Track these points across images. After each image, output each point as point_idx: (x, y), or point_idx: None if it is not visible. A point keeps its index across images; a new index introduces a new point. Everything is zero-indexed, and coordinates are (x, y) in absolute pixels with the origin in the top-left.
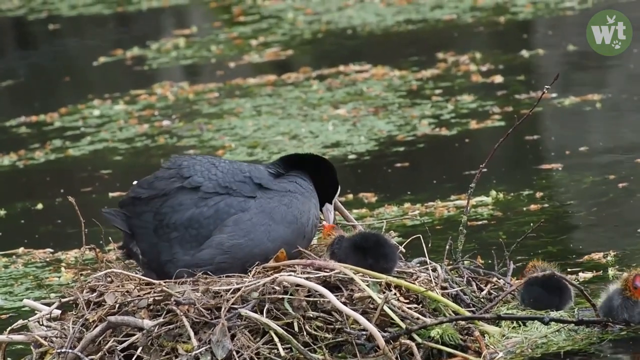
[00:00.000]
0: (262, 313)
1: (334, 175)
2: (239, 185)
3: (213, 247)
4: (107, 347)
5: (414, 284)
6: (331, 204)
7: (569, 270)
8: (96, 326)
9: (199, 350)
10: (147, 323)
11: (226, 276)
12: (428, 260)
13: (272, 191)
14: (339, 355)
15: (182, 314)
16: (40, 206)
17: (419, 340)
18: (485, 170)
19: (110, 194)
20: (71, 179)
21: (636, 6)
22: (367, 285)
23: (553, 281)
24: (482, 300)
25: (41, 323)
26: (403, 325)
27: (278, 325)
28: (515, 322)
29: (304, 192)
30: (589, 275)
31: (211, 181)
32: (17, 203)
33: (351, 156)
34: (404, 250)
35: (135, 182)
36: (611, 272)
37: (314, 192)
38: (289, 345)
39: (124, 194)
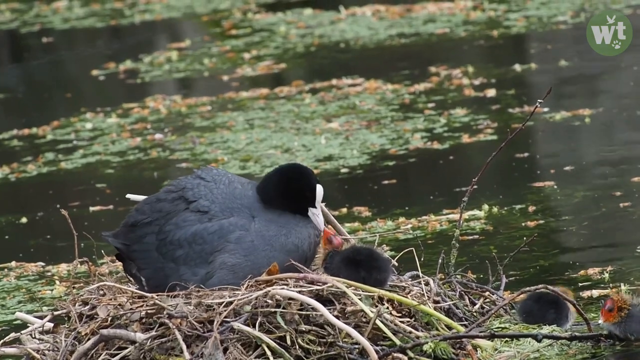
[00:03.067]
0: (254, 326)
1: (305, 179)
2: (238, 212)
3: (217, 268)
4: None
5: (406, 297)
6: (315, 207)
7: (564, 285)
8: (88, 339)
9: None
10: (140, 336)
11: (218, 289)
12: (420, 274)
13: (269, 221)
14: None
15: (174, 327)
16: (31, 219)
17: (411, 354)
18: (477, 185)
19: (103, 208)
20: (63, 193)
21: (633, 18)
22: (359, 298)
23: (550, 296)
24: (474, 314)
25: (33, 336)
26: (396, 340)
27: (270, 339)
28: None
29: (297, 222)
30: (595, 293)
31: (216, 204)
32: (8, 216)
33: (344, 170)
34: (396, 264)
35: (128, 196)
36: (624, 287)
37: (303, 217)
38: (282, 359)
39: (113, 208)
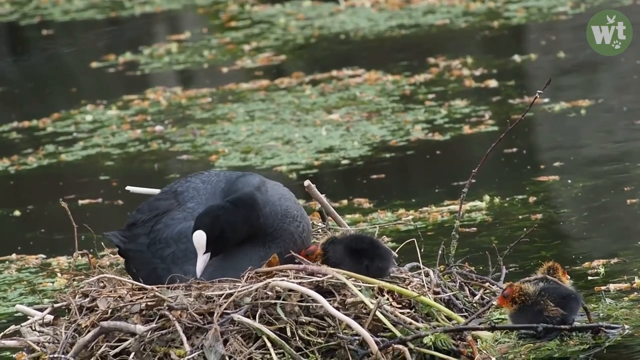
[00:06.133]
0: (254, 318)
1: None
2: None
3: (206, 266)
4: (99, 352)
5: (406, 288)
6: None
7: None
8: (89, 331)
9: (192, 356)
10: (140, 328)
11: (218, 281)
12: (421, 265)
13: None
14: None
15: (174, 319)
16: (30, 211)
17: (412, 346)
18: (478, 175)
19: (101, 200)
20: (63, 185)
21: (631, 11)
22: (359, 290)
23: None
24: (474, 305)
25: (34, 328)
26: (396, 331)
27: (270, 330)
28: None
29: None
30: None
31: (201, 205)
32: (7, 208)
33: (344, 161)
34: (396, 256)
35: (128, 188)
36: (638, 280)
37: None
38: (282, 350)
39: (112, 200)
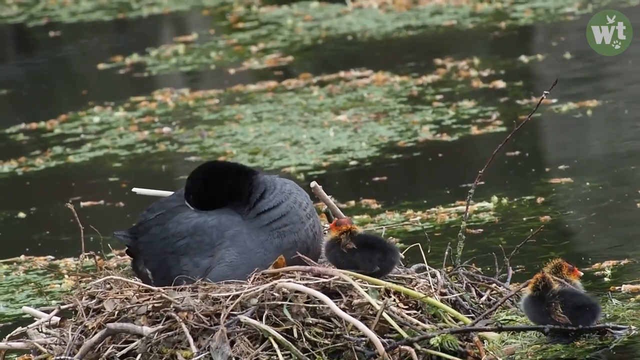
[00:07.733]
0: (261, 319)
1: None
2: (228, 210)
3: (216, 263)
4: (106, 354)
5: (413, 290)
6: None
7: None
8: (95, 333)
9: (198, 357)
10: (147, 330)
11: (225, 282)
12: (427, 266)
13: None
14: None
15: (181, 320)
16: (37, 213)
17: (418, 347)
18: (485, 176)
19: (110, 202)
20: (71, 186)
21: (636, 11)
22: (366, 291)
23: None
24: (481, 306)
25: (40, 330)
26: (402, 332)
27: (277, 332)
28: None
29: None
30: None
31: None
32: (14, 210)
33: (352, 162)
34: (403, 257)
35: (135, 189)
36: None
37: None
38: (288, 352)
39: (121, 201)
